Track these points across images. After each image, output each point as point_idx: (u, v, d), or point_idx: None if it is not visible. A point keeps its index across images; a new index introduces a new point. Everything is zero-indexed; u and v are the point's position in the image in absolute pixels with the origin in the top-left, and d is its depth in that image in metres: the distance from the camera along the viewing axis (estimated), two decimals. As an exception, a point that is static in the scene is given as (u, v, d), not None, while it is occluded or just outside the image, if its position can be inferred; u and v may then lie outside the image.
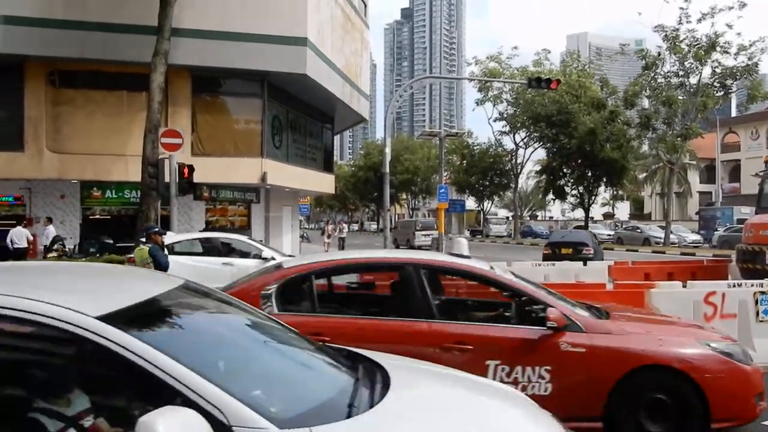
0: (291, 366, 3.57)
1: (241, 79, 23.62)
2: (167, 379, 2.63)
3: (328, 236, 37.66)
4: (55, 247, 19.17)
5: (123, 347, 2.67)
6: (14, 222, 20.62)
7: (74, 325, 2.70)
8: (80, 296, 3.02)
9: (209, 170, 20.22)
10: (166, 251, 9.36)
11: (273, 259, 14.37)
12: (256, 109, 24.08)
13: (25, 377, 2.89)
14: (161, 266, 8.95)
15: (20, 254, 18.75)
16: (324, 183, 32.98)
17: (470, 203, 62.59)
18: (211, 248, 16.08)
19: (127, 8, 19.74)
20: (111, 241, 21.34)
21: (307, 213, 61.68)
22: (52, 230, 20.10)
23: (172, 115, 21.73)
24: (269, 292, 5.84)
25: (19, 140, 20.82)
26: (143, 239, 9.49)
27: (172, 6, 17.43)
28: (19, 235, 19.42)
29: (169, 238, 13.87)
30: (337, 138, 43.96)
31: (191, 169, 16.70)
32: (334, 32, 26.72)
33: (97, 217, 23.34)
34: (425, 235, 39.96)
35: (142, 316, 3.03)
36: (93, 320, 2.72)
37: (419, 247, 27.57)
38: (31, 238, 19.80)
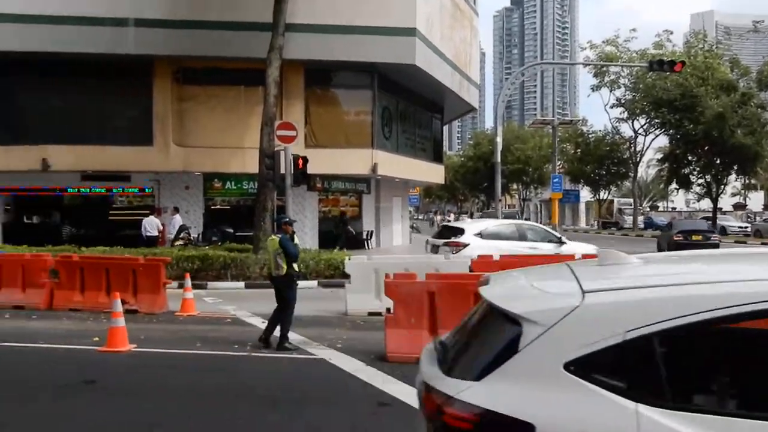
0: None
1: (351, 71, 23.97)
2: None
3: (438, 227, 37.57)
4: (182, 235, 20.27)
5: None
6: (147, 212, 22.03)
7: None
8: None
9: (321, 161, 20.69)
10: (297, 240, 9.58)
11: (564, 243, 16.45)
12: (367, 101, 24.37)
13: None
14: (291, 256, 9.17)
15: (151, 242, 19.93)
16: (433, 173, 32.91)
17: (585, 193, 60.38)
18: (517, 234, 16.80)
19: (244, 6, 20.51)
20: (231, 230, 22.39)
21: (417, 203, 61.84)
22: (178, 219, 21.33)
23: (286, 108, 22.42)
24: None
25: (149, 135, 22.26)
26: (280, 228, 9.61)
27: (286, 2, 17.90)
28: (151, 225, 20.66)
29: (477, 225, 16.40)
30: (445, 128, 43.71)
31: (305, 160, 17.12)
32: (443, 21, 26.53)
33: (218, 207, 24.54)
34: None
35: None
36: None
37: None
38: (161, 227, 21.04)
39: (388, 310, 8.59)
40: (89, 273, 12.62)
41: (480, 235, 16.23)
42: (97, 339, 9.41)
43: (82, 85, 22.51)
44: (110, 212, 24.29)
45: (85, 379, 7.60)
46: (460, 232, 16.54)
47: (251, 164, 18.74)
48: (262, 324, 10.97)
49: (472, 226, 17.38)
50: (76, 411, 6.44)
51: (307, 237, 22.60)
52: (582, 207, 67.63)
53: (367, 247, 25.96)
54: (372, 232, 27.20)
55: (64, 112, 22.66)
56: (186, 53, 21.32)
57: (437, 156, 34.21)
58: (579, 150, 56.93)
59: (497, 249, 14.42)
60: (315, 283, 15.73)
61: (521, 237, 16.74)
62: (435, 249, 16.29)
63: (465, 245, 15.59)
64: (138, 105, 22.91)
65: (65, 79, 22.25)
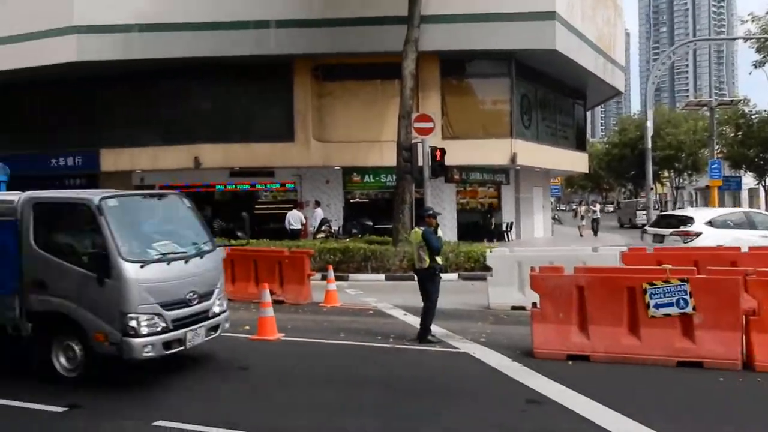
0: None
1: (488, 60, 23.46)
2: None
3: (581, 218, 35.99)
4: (323, 228, 20.82)
5: None
6: (290, 206, 22.84)
7: None
8: None
9: (459, 153, 20.38)
10: (440, 233, 9.39)
11: None
12: (504, 89, 23.77)
13: None
14: (433, 249, 9.02)
15: (295, 235, 20.62)
16: (576, 162, 31.60)
17: (747, 180, 55.44)
18: (746, 222, 16.25)
19: (378, 1, 20.61)
20: (371, 223, 22.69)
21: (558, 194, 59.83)
22: (320, 213, 21.89)
23: (422, 100, 22.34)
24: None
25: (290, 131, 23.06)
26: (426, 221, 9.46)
27: (421, -7, 17.78)
28: (294, 218, 21.39)
29: (705, 213, 16.16)
30: (588, 114, 41.84)
31: (443, 152, 16.92)
32: (584, 2, 25.29)
33: (357, 200, 24.96)
34: (645, 215, 36.89)
35: None
36: None
37: (642, 226, 25.72)
38: (304, 220, 21.72)
39: (534, 304, 8.20)
40: (239, 265, 13.17)
41: (711, 223, 15.24)
42: (248, 328, 9.77)
43: (229, 86, 23.73)
44: (256, 206, 25.43)
45: (240, 365, 7.92)
46: (689, 220, 15.59)
47: (389, 157, 18.84)
48: (404, 316, 10.95)
49: (700, 214, 16.24)
50: (227, 394, 6.70)
51: (446, 229, 22.34)
52: (744, 195, 62.21)
53: (507, 239, 25.36)
54: (512, 223, 26.54)
55: (213, 113, 24.00)
56: (324, 51, 21.81)
57: (580, 144, 32.78)
58: (740, 132, 52.31)
59: (733, 239, 13.91)
60: (455, 275, 15.49)
61: (751, 225, 15.59)
62: (659, 238, 15.50)
63: (697, 234, 14.84)
64: (280, 103, 23.78)
65: (213, 81, 23.57)
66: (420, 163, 16.73)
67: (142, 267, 6.77)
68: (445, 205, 23.65)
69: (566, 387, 6.67)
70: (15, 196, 7.41)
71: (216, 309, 7.70)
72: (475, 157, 22.83)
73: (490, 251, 13.05)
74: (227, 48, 21.44)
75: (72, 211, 7.41)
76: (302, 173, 24.06)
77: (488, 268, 12.23)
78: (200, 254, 7.58)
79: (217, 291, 7.73)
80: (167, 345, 6.93)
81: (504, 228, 26.05)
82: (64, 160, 24.79)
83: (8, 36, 22.74)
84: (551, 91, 27.89)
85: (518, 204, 26.95)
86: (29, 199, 7.33)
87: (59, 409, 6.26)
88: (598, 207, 35.82)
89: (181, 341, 7.08)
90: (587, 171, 38.98)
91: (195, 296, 7.29)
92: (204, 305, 7.45)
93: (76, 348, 7.03)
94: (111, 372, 7.06)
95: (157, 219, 7.99)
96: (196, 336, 7.30)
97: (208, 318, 7.53)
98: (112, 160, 24.14)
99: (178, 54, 21.62)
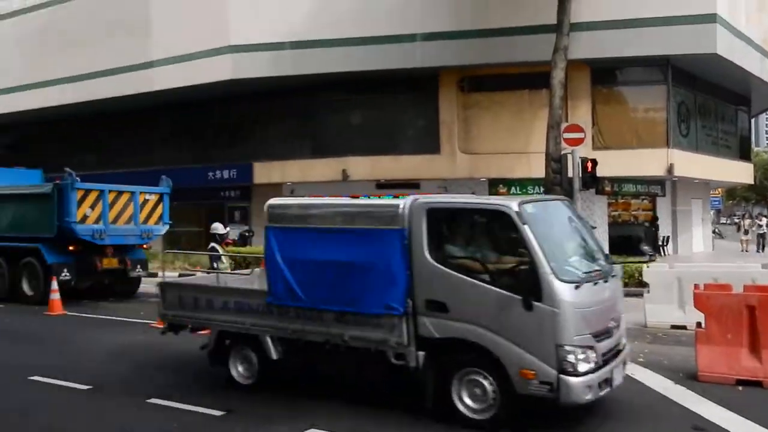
0: None
1: (641, 67, 22.54)
2: None
3: (745, 232, 33.29)
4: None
5: None
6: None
7: None
8: None
9: (610, 163, 19.63)
10: None
11: None
12: (659, 97, 22.67)
13: None
14: None
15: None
16: (739, 172, 29.48)
17: None
18: None
19: (525, 10, 20.39)
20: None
21: (719, 206, 55.84)
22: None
23: (571, 109, 21.81)
24: None
25: (436, 144, 23.35)
26: None
27: (570, 1, 17.41)
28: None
29: None
30: (753, 121, 38.77)
31: (594, 163, 16.36)
32: (748, 2, 23.58)
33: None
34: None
35: None
36: None
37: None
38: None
39: (699, 324, 7.77)
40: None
41: None
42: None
43: (375, 100, 24.46)
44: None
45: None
46: None
47: (537, 169, 18.53)
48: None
49: None
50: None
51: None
52: None
53: (663, 254, 24.06)
54: (668, 237, 25.13)
55: (360, 126, 24.85)
56: (470, 62, 21.90)
57: (744, 153, 30.48)
58: None
59: None
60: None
61: None
62: None
63: None
64: (425, 115, 24.15)
65: (360, 95, 24.43)
66: (570, 175, 16.26)
67: (576, 288, 5.62)
68: (596, 218, 22.86)
69: (736, 414, 6.26)
70: (399, 202, 6.34)
71: (624, 340, 6.60)
72: (629, 167, 21.90)
73: (647, 266, 12.49)
74: (374, 62, 22.10)
75: (482, 219, 6.44)
76: (448, 185, 24.20)
77: (643, 284, 11.72)
78: (611, 273, 6.37)
79: (623, 317, 6.57)
80: (599, 385, 5.74)
81: (660, 242, 24.74)
82: (220, 172, 26.62)
83: (171, 57, 24.76)
84: (711, 97, 26.19)
85: (675, 217, 25.52)
86: (422, 204, 6.24)
87: (217, 413, 6.57)
88: (765, 221, 32.99)
89: (608, 381, 5.88)
90: (752, 182, 36.09)
91: (615, 324, 6.22)
92: (617, 336, 6.30)
93: (487, 385, 5.85)
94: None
95: (564, 229, 6.75)
96: (618, 373, 6.14)
97: (620, 351, 6.34)
98: (264, 172, 25.60)
99: (328, 69, 22.63)
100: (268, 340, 6.91)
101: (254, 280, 8.41)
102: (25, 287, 15.12)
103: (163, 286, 8.11)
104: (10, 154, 32.41)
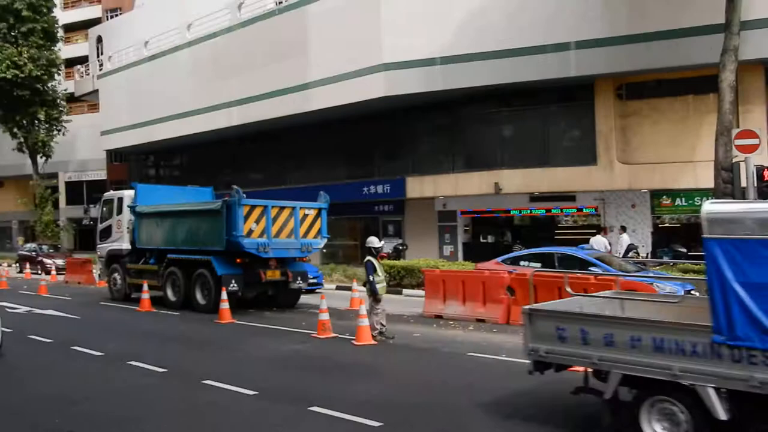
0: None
1: (828, 63, 20.30)
2: None
3: None
4: (630, 255, 19.81)
5: None
6: (593, 231, 22.17)
7: None
8: None
9: (791, 171, 17.83)
10: None
11: None
12: None
13: None
14: None
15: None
16: None
17: None
18: None
19: (689, 10, 19.17)
20: (684, 250, 20.99)
21: None
22: (626, 239, 20.88)
23: (743, 114, 20.13)
24: None
25: (592, 154, 22.52)
26: None
27: (741, -3, 16.11)
28: (598, 244, 20.66)
29: None
30: None
31: (771, 171, 15.01)
32: None
33: (667, 225, 23.29)
34: None
35: None
36: None
37: None
38: (609, 246, 20.90)
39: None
40: (541, 290, 13.16)
41: None
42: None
43: (527, 111, 24.10)
44: (556, 231, 25.15)
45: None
46: None
47: (704, 178, 17.31)
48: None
49: None
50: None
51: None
52: None
53: None
54: None
55: (512, 139, 24.56)
56: (627, 69, 20.94)
57: None
58: None
59: None
60: None
61: None
62: None
63: None
64: (580, 125, 23.40)
65: (511, 107, 24.22)
66: (744, 185, 15.02)
67: None
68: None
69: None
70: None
71: None
72: (812, 175, 19.76)
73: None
74: (526, 73, 21.81)
75: None
76: (605, 197, 23.23)
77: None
78: None
79: None
80: None
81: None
82: (375, 187, 27.36)
83: (327, 77, 25.90)
84: None
85: None
86: None
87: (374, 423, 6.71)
88: None
89: None
90: None
91: None
92: None
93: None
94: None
95: None
96: None
97: None
98: (416, 186, 26.01)
99: (478, 83, 22.64)
100: (711, 393, 5.28)
101: (674, 309, 6.73)
102: (198, 297, 16.28)
103: (531, 313, 6.55)
104: (184, 173, 35.61)
